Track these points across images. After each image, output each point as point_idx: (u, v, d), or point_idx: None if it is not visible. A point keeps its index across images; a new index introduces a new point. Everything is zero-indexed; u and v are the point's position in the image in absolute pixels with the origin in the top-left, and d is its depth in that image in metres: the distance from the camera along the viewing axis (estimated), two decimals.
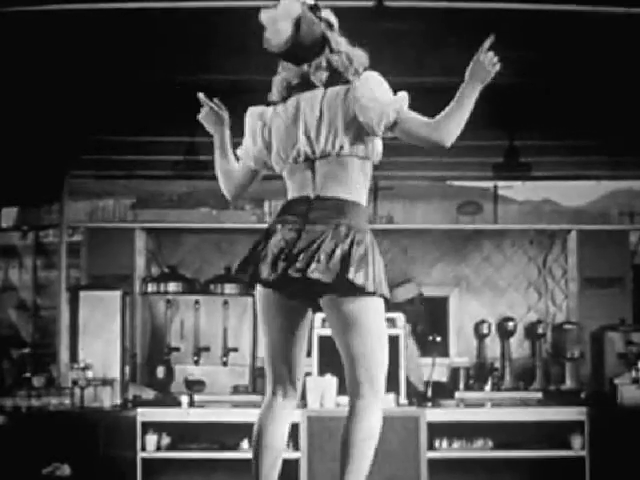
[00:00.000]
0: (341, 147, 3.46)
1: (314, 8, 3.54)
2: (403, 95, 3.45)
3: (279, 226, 3.49)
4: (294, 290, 3.48)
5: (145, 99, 7.38)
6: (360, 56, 3.56)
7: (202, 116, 3.86)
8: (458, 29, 5.79)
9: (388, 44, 5.85)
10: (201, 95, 3.83)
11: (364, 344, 3.44)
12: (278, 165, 3.61)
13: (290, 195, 3.59)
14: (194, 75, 6.68)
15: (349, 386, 3.49)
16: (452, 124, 3.38)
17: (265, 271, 3.43)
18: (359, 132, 3.46)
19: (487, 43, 3.41)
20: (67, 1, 5.86)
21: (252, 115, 3.69)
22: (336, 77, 3.53)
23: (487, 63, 3.40)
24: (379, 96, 3.41)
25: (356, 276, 3.36)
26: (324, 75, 3.53)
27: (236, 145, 3.82)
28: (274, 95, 3.64)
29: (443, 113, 3.40)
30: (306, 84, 3.55)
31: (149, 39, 6.39)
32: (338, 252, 3.38)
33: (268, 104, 3.66)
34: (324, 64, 3.53)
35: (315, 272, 3.35)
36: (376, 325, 3.47)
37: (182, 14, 5.92)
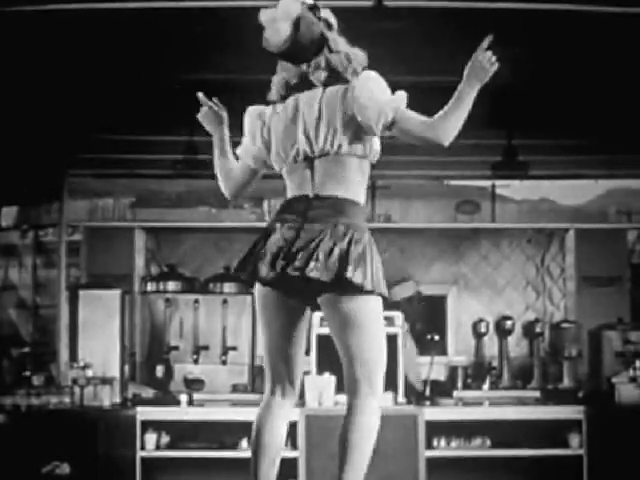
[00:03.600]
0: (340, 146, 3.48)
1: (313, 8, 3.56)
2: (401, 94, 3.47)
3: (278, 225, 3.51)
4: (293, 289, 3.49)
5: (145, 98, 7.39)
6: (359, 56, 3.58)
7: (201, 116, 3.88)
8: (457, 29, 5.81)
9: (387, 44, 5.86)
10: (200, 95, 3.85)
11: (362, 343, 3.45)
12: (278, 164, 3.63)
13: (289, 194, 3.60)
14: (194, 74, 6.69)
15: (347, 384, 3.50)
16: (450, 123, 3.39)
17: (264, 270, 3.45)
18: (357, 131, 3.47)
19: (485, 42, 3.43)
20: (66, 1, 5.87)
21: (251, 115, 3.70)
22: (335, 77, 3.54)
23: (485, 62, 3.41)
24: (377, 95, 3.43)
25: (354, 275, 3.37)
26: (323, 75, 3.54)
27: (236, 144, 3.84)
28: (273, 95, 3.66)
29: (441, 112, 3.42)
30: (305, 84, 3.57)
31: (149, 38, 6.39)
32: (336, 251, 3.39)
33: (267, 104, 3.68)
34: (323, 64, 3.54)
35: (313, 271, 3.36)
36: (374, 324, 3.48)
37: (182, 13, 5.93)
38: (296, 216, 3.48)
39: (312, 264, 3.37)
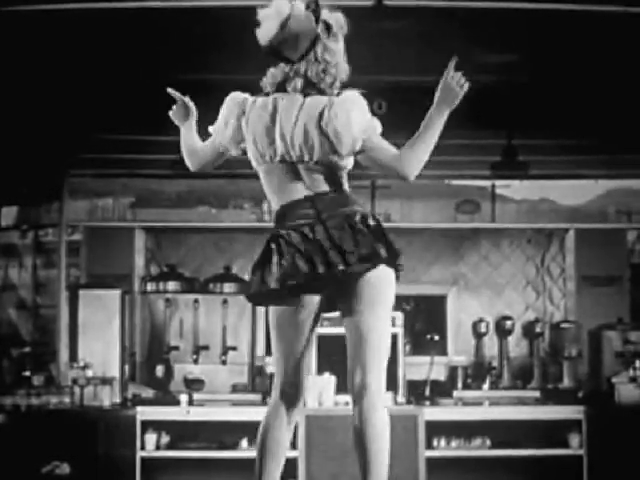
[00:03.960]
0: (317, 157, 3.47)
1: (313, 9, 3.53)
2: (375, 123, 3.47)
3: (292, 232, 3.48)
4: (323, 289, 3.53)
5: (144, 98, 7.39)
6: (340, 69, 3.54)
7: (173, 113, 3.90)
8: (457, 29, 5.81)
9: (387, 43, 5.87)
10: (171, 90, 3.87)
11: (375, 318, 3.56)
12: (255, 160, 3.58)
13: (272, 193, 3.58)
14: (192, 74, 6.69)
15: (351, 373, 3.53)
16: (417, 154, 3.46)
17: (294, 278, 3.44)
18: (332, 146, 3.46)
19: (452, 64, 3.43)
20: (65, 1, 5.88)
21: (233, 100, 3.63)
22: (311, 87, 3.51)
23: (454, 84, 3.42)
24: (352, 120, 3.42)
25: (388, 251, 3.51)
26: (299, 82, 3.51)
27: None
28: (265, 85, 3.62)
29: (410, 142, 3.45)
30: (285, 86, 3.55)
31: (149, 38, 6.40)
32: (365, 235, 3.46)
33: (261, 92, 3.63)
34: (302, 70, 3.52)
35: (352, 262, 3.42)
36: (389, 300, 3.62)
37: (182, 13, 5.94)
38: (307, 218, 3.48)
39: (353, 255, 3.42)
